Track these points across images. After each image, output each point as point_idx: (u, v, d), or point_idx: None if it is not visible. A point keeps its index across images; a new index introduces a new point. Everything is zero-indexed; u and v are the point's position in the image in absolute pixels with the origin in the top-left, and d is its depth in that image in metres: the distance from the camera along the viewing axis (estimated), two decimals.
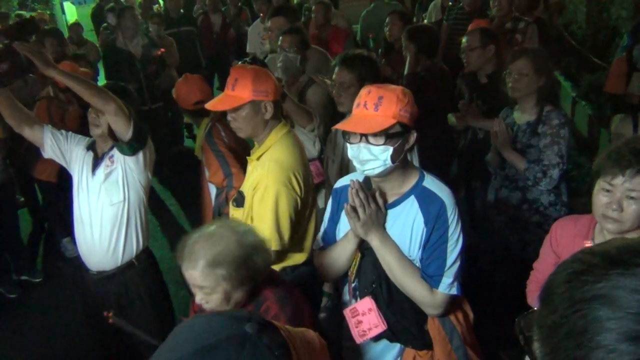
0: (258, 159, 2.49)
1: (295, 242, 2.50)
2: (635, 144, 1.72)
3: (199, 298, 1.77)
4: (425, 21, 6.81)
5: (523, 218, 3.15)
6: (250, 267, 1.75)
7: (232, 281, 1.72)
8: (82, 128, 4.61)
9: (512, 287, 2.51)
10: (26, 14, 10.65)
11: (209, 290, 1.73)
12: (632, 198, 1.71)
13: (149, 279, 3.06)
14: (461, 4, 5.66)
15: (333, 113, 3.26)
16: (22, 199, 5.53)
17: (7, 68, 2.55)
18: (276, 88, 2.45)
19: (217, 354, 0.95)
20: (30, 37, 2.84)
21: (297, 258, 2.58)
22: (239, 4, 8.61)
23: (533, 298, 2.19)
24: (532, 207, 3.12)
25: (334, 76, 2.94)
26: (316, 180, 3.10)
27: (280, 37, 3.67)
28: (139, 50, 6.23)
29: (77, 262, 3.37)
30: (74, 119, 4.64)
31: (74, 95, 4.52)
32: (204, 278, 1.71)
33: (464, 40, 3.79)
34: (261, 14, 6.17)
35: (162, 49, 6.44)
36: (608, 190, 1.75)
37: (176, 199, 6.15)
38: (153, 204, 5.19)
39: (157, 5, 10.12)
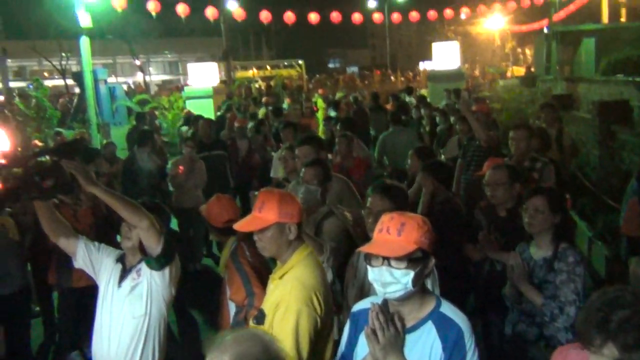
0: (280, 277, 2.56)
1: None
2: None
3: None
4: (443, 157, 7.13)
5: (540, 355, 3.11)
6: None
7: None
8: (96, 228, 4.81)
9: None
10: (67, 133, 11.34)
11: None
12: None
13: None
14: (478, 142, 5.94)
15: (348, 247, 3.33)
16: (38, 308, 5.57)
17: (52, 184, 2.74)
18: (300, 211, 2.59)
19: None
20: (77, 156, 3.05)
21: None
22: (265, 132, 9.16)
23: None
24: (549, 345, 3.09)
25: (367, 203, 3.09)
26: None
27: (303, 170, 3.85)
28: (152, 167, 6.65)
29: None
30: (86, 217, 4.82)
31: (79, 197, 4.77)
32: None
33: (487, 174, 3.97)
34: (286, 142, 6.57)
35: (181, 168, 6.80)
36: None
37: (186, 318, 6.09)
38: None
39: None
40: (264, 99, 14.81)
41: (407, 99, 13.82)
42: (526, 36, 34.78)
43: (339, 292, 3.33)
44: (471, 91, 15.14)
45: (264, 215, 2.51)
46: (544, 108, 7.08)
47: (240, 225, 2.63)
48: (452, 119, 9.05)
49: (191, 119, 10.42)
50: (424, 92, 15.84)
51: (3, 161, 2.72)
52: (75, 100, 20.01)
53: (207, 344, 1.81)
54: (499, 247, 3.67)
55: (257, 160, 8.30)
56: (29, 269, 5.13)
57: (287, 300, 2.44)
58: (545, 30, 19.66)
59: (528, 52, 37.01)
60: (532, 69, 22.41)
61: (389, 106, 12.00)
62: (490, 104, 10.94)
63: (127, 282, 2.95)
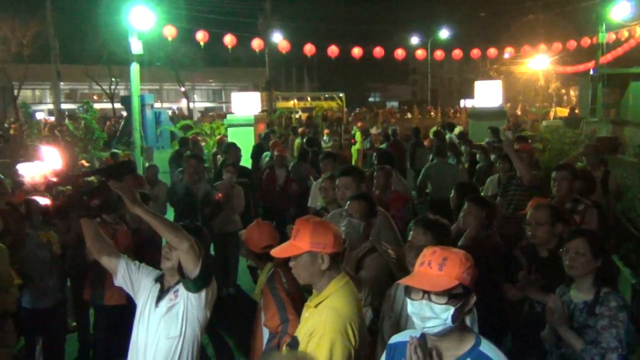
0: (316, 306, 2.57)
1: None
2: None
3: None
4: (483, 193, 7.05)
5: None
6: None
7: None
8: (134, 248, 4.91)
9: None
10: (121, 151, 11.70)
11: None
12: None
13: None
14: (519, 180, 5.86)
15: (389, 285, 3.29)
16: (74, 323, 5.68)
17: (99, 203, 2.83)
18: (336, 241, 2.59)
19: None
20: (124, 177, 3.15)
21: None
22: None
23: None
24: None
25: (409, 237, 3.08)
26: None
27: (348, 202, 3.80)
28: (201, 193, 6.77)
29: None
30: (125, 238, 4.94)
31: (121, 218, 4.90)
32: None
33: (529, 213, 3.91)
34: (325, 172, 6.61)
35: (220, 194, 6.91)
36: None
37: (219, 342, 6.10)
38: None
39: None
40: (299, 130, 14.99)
41: (448, 135, 13.78)
42: (571, 77, 34.41)
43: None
44: (513, 130, 15.00)
45: (298, 242, 2.56)
46: (589, 150, 6.96)
47: (275, 251, 2.68)
48: (492, 156, 8.97)
49: (223, 146, 10.61)
50: (457, 130, 15.70)
51: (55, 179, 2.83)
52: (122, 123, 20.68)
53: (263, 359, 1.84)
54: (539, 288, 3.59)
55: (294, 188, 8.37)
56: (68, 284, 5.26)
57: (321, 329, 2.44)
58: (592, 72, 19.43)
59: (572, 93, 36.54)
60: (577, 111, 22.11)
61: (426, 142, 11.99)
62: (533, 143, 10.80)
63: (164, 302, 2.99)
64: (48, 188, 2.72)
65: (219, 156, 10.71)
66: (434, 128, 16.14)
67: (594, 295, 3.08)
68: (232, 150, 8.98)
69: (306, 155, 9.70)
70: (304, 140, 11.82)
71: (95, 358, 5.37)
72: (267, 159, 10.24)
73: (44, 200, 2.69)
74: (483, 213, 4.17)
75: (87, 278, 5.01)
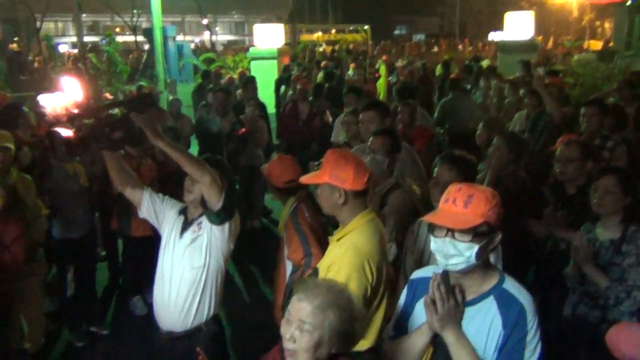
0: (338, 240, 2.57)
1: None
2: None
3: (289, 335, 1.78)
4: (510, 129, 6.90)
5: (601, 339, 3.00)
6: (352, 330, 1.80)
7: (333, 331, 1.75)
8: (158, 181, 4.97)
9: None
10: (146, 84, 11.67)
11: (309, 328, 1.75)
12: None
13: (214, 345, 3.11)
14: (548, 117, 5.71)
15: (411, 220, 3.25)
16: (104, 253, 5.85)
17: (121, 135, 2.82)
18: (356, 179, 2.52)
19: None
20: (145, 109, 3.12)
21: (361, 344, 2.56)
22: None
23: None
24: None
25: (434, 173, 3.02)
26: None
27: (371, 138, 3.74)
28: (226, 127, 6.75)
29: (144, 321, 3.49)
30: (149, 171, 5.01)
31: (144, 150, 4.93)
32: (312, 315, 1.75)
33: (559, 150, 3.82)
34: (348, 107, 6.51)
35: (244, 129, 6.88)
36: None
37: (244, 273, 6.27)
38: None
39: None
40: (322, 63, 14.70)
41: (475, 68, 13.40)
42: (606, 8, 32.82)
43: None
44: (544, 64, 14.48)
45: (320, 172, 2.57)
46: (622, 85, 6.71)
47: (303, 178, 2.71)
48: (521, 91, 8.73)
49: (242, 80, 10.49)
50: (484, 63, 15.18)
51: (76, 111, 2.82)
52: (145, 57, 20.53)
53: (297, 284, 1.87)
54: (565, 225, 3.54)
55: (317, 123, 8.29)
56: (96, 215, 5.37)
57: (338, 263, 2.45)
58: (629, 2, 18.48)
59: (607, 25, 35.03)
60: (611, 44, 21.22)
61: (454, 75, 11.68)
62: (564, 78, 10.42)
63: (188, 234, 3.03)
64: (70, 119, 2.71)
65: (238, 91, 10.61)
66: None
67: (621, 233, 3.04)
68: (251, 85, 8.89)
69: (321, 89, 9.55)
70: (322, 74, 11.61)
71: (124, 286, 5.56)
72: (285, 92, 10.12)
73: (66, 132, 2.68)
74: (511, 149, 4.07)
75: (114, 209, 5.12)
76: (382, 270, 2.56)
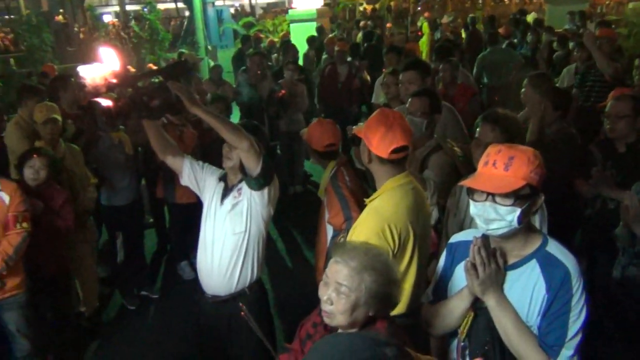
0: (370, 202, 2.54)
1: None
2: None
3: (326, 297, 1.79)
4: (558, 84, 6.65)
5: None
6: (389, 293, 1.79)
7: (369, 293, 1.75)
8: (200, 149, 5.02)
9: None
10: (186, 51, 11.74)
11: (345, 290, 1.76)
12: None
13: (258, 308, 3.17)
14: (598, 71, 5.45)
15: (453, 182, 3.15)
16: (151, 220, 6.01)
17: (159, 104, 2.83)
18: (380, 145, 2.45)
19: None
20: (181, 77, 3.12)
21: None
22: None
23: None
24: None
25: (476, 134, 2.93)
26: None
27: (409, 100, 3.63)
28: (265, 92, 6.72)
29: (192, 285, 3.59)
30: (190, 139, 5.06)
31: (186, 118, 4.97)
32: (349, 277, 1.76)
33: (609, 105, 3.64)
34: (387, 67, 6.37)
35: (283, 91, 6.83)
36: None
37: (286, 238, 6.34)
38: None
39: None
40: (361, 23, 14.38)
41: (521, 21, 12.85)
42: None
43: None
44: (595, 15, 13.77)
45: (363, 126, 2.54)
46: None
47: (354, 128, 2.66)
48: (570, 44, 8.35)
49: (281, 44, 10.38)
50: (530, 17, 14.50)
51: (114, 81, 2.83)
52: (185, 23, 20.60)
53: (335, 247, 1.88)
54: (614, 184, 3.40)
55: (357, 84, 8.16)
56: (142, 183, 5.50)
57: (359, 227, 2.43)
58: None
59: None
60: None
61: (501, 30, 11.22)
62: (616, 29, 9.89)
63: (229, 200, 3.05)
64: (109, 90, 2.74)
65: (274, 55, 10.52)
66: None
67: None
68: (290, 49, 8.80)
69: (358, 49, 9.35)
70: (361, 34, 11.36)
71: (172, 252, 5.72)
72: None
73: (106, 102, 2.71)
74: (557, 106, 3.91)
75: (159, 177, 5.22)
76: (409, 236, 2.47)
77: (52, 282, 3.97)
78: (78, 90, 4.93)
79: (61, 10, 22.17)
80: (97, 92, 2.81)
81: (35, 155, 3.83)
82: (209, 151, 4.91)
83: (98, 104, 3.21)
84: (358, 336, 1.15)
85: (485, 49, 8.85)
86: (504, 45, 9.17)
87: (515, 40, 10.17)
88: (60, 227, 3.87)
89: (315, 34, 11.94)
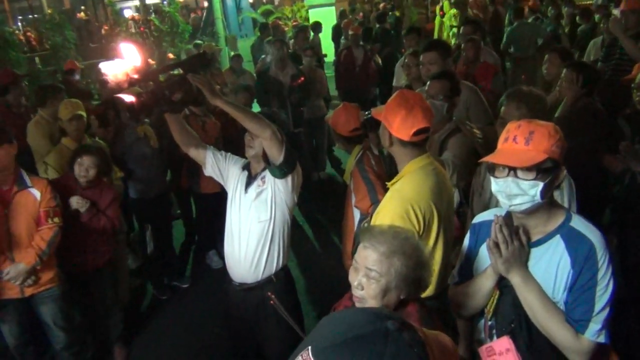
0: (392, 185, 2.54)
1: None
2: None
3: (356, 282, 1.80)
4: (584, 59, 6.51)
5: None
6: (419, 276, 1.79)
7: (399, 277, 1.75)
8: (224, 139, 5.05)
9: None
10: (202, 42, 11.76)
11: (375, 275, 1.76)
12: None
13: (285, 295, 3.20)
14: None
15: (475, 166, 3.12)
16: (179, 211, 6.08)
17: (181, 97, 2.85)
18: (401, 127, 2.44)
19: (363, 346, 1.01)
20: (202, 69, 3.13)
21: None
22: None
23: None
24: None
25: (500, 113, 2.89)
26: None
27: (429, 82, 3.59)
28: (287, 79, 6.71)
29: (221, 274, 3.64)
30: (213, 129, 5.11)
31: (208, 109, 5.00)
32: (379, 262, 1.76)
33: (638, 77, 3.55)
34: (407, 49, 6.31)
35: (302, 77, 6.82)
36: None
37: (312, 223, 6.37)
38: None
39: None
40: (380, 5, 14.22)
41: None
42: None
43: None
44: None
45: (383, 109, 2.53)
46: None
47: (372, 110, 2.65)
48: (596, 17, 8.14)
49: (294, 30, 10.35)
50: None
51: (136, 76, 2.86)
52: (204, 14, 20.61)
53: (362, 232, 1.89)
54: None
55: (373, 68, 8.12)
56: (168, 175, 5.57)
57: (383, 211, 2.43)
58: None
59: None
60: None
61: (530, 3, 10.96)
62: None
63: (253, 189, 3.08)
64: (131, 85, 2.77)
65: (292, 41, 10.50)
66: None
67: None
68: (301, 35, 8.77)
69: (369, 32, 9.27)
70: (371, 17, 11.25)
71: (200, 242, 5.79)
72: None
73: (129, 98, 2.74)
74: (580, 79, 3.82)
75: (184, 168, 5.27)
76: (433, 218, 2.46)
77: (100, 275, 4.04)
78: (102, 86, 5.00)
79: (83, 7, 22.40)
80: (119, 88, 2.84)
81: (84, 154, 3.90)
82: (234, 141, 4.95)
83: (121, 99, 3.24)
84: (361, 311, 1.17)
85: (510, 25, 8.95)
86: (530, 20, 9.10)
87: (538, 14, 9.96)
88: (106, 226, 3.95)
89: (334, 18, 11.88)
